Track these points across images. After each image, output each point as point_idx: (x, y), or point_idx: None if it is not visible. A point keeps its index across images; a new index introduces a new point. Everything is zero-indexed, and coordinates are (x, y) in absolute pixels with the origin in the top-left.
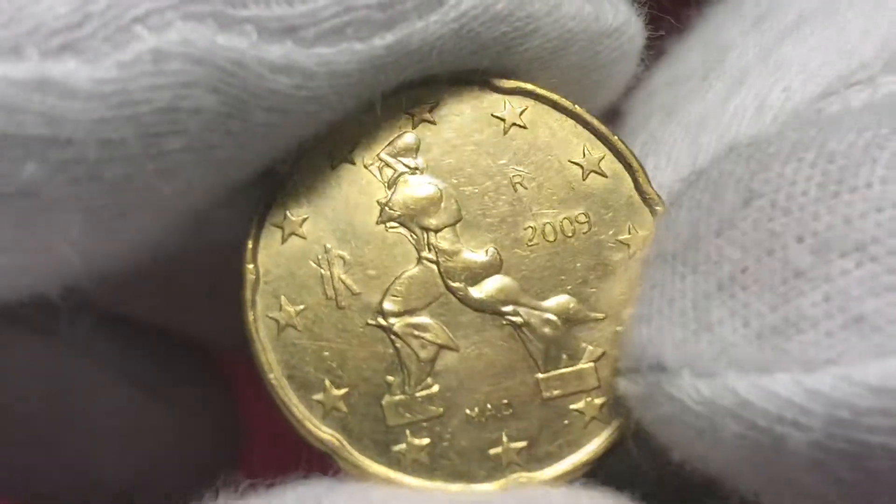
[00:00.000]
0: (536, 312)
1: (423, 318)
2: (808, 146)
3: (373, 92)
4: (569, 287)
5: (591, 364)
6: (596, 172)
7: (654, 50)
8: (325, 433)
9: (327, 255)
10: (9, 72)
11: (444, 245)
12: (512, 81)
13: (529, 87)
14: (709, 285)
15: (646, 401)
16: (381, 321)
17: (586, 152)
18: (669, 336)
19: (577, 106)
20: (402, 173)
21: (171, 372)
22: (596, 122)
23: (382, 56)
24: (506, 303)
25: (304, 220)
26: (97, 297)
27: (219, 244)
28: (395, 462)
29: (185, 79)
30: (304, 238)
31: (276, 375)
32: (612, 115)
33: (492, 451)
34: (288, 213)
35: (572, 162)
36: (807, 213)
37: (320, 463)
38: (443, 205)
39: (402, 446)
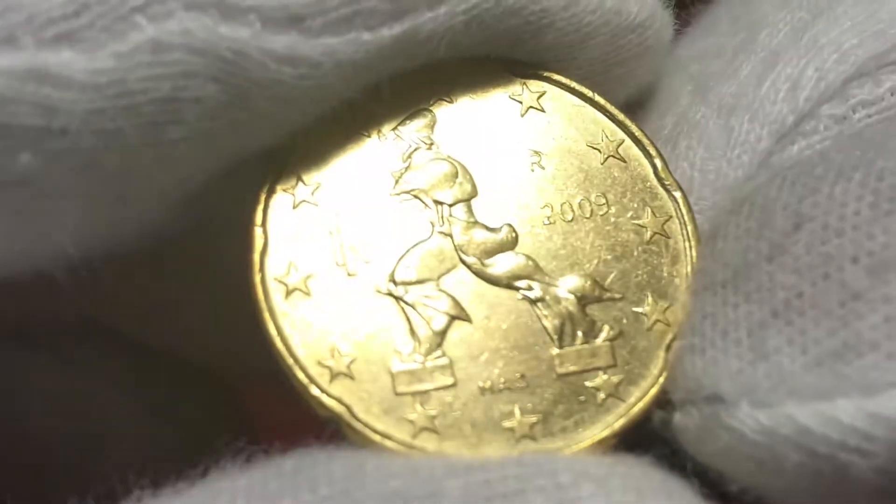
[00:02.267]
0: (552, 288)
1: (435, 289)
2: (855, 166)
3: (380, 79)
4: (585, 266)
5: (608, 342)
6: (614, 157)
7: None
8: (332, 399)
9: (339, 222)
10: (3, 62)
11: (459, 220)
12: (531, 69)
13: (548, 73)
14: (763, 313)
15: (702, 433)
16: (393, 289)
17: (605, 137)
18: (725, 367)
19: (595, 94)
20: (417, 148)
21: (184, 397)
22: (614, 110)
23: (390, 46)
24: (520, 278)
25: (317, 187)
26: (112, 321)
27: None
28: (404, 430)
29: (184, 69)
30: (315, 205)
31: (282, 339)
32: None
33: (504, 424)
34: (300, 181)
35: (590, 146)
36: (860, 233)
37: None
38: (458, 180)
39: (412, 415)
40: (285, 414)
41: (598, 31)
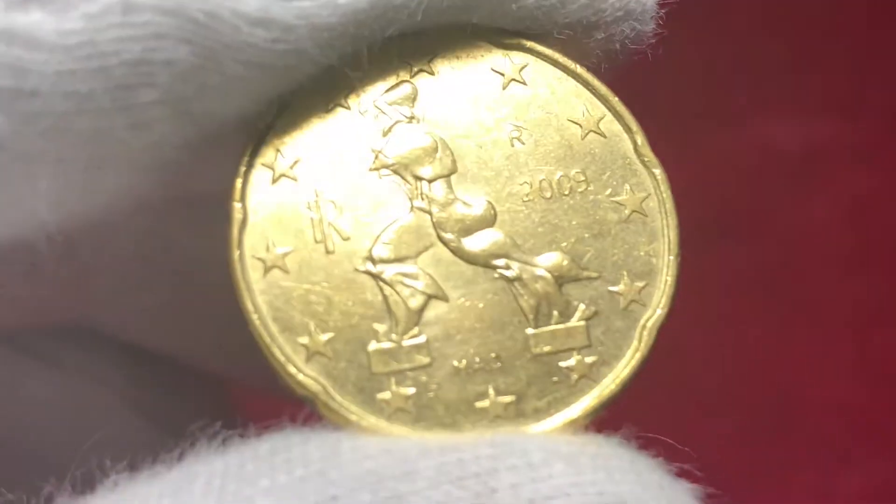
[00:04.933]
0: (529, 267)
1: (413, 267)
2: None
3: (357, 46)
4: (563, 244)
5: (583, 322)
6: (595, 132)
7: (668, 8)
8: (308, 377)
9: (318, 198)
10: None
11: (438, 196)
12: (513, 38)
13: (530, 44)
14: None
15: None
16: (371, 268)
17: (586, 112)
18: None
19: (578, 66)
20: (397, 122)
21: (178, 402)
22: (597, 82)
23: (366, 10)
24: (498, 256)
25: (296, 162)
26: (104, 325)
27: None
28: (379, 410)
29: (155, 30)
30: (294, 180)
31: (259, 316)
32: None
33: (478, 404)
34: (279, 154)
35: (571, 121)
36: None
37: None
38: (438, 155)
39: (387, 395)
40: (279, 415)
41: None
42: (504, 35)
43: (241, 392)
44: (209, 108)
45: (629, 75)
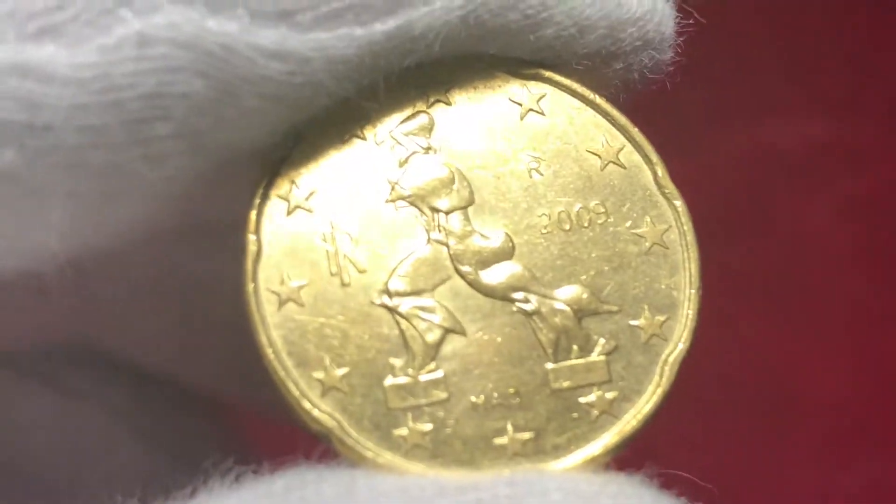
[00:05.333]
0: (548, 301)
1: (430, 301)
2: None
3: (374, 77)
4: (582, 277)
5: (603, 357)
6: (614, 163)
7: (686, 36)
8: (324, 413)
9: (333, 230)
10: None
11: (455, 228)
12: (531, 68)
13: (548, 73)
14: None
15: None
16: (387, 301)
17: (605, 143)
18: None
19: (597, 96)
20: (414, 153)
21: (181, 425)
22: (616, 113)
23: (383, 42)
24: (516, 289)
25: (311, 193)
26: (108, 347)
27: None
28: (395, 447)
29: (170, 64)
30: (310, 212)
31: (274, 351)
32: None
33: (496, 441)
34: (294, 186)
35: (590, 151)
36: None
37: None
38: (455, 187)
39: (404, 430)
40: (286, 440)
41: (597, 25)
42: (522, 65)
43: (249, 418)
44: (224, 140)
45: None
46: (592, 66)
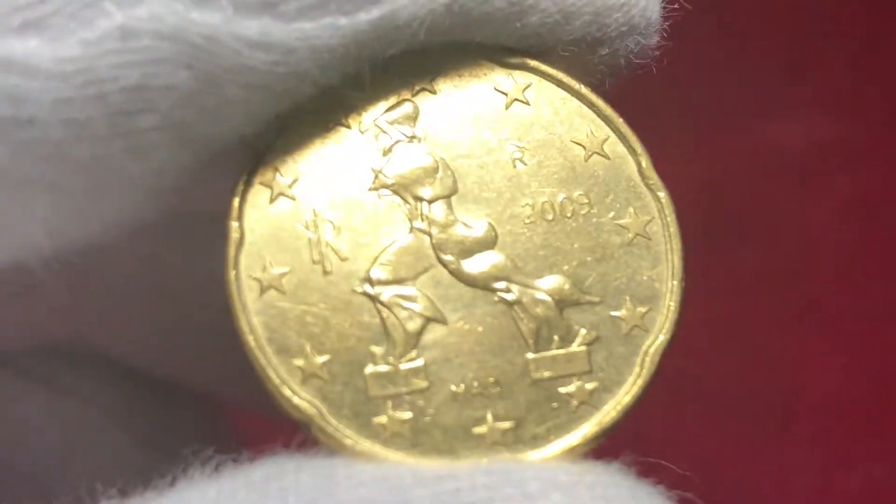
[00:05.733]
0: (529, 291)
1: (411, 289)
2: None
3: (359, 66)
4: (564, 268)
5: (584, 347)
6: (599, 154)
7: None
8: (303, 400)
9: (316, 218)
10: None
11: (438, 217)
12: (517, 57)
13: (534, 63)
14: None
15: None
16: (369, 289)
17: (590, 133)
18: None
19: (582, 86)
20: (398, 141)
21: (176, 425)
22: (601, 103)
23: (367, 31)
24: (498, 279)
25: (295, 181)
26: (103, 346)
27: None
28: (375, 435)
29: (154, 56)
30: (293, 199)
31: (255, 338)
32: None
33: (476, 430)
34: (278, 173)
35: (575, 142)
36: None
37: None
38: (438, 176)
39: (383, 419)
40: (269, 431)
41: (582, 11)
42: (508, 54)
43: (236, 413)
44: (209, 131)
45: (629, 78)
46: (578, 52)
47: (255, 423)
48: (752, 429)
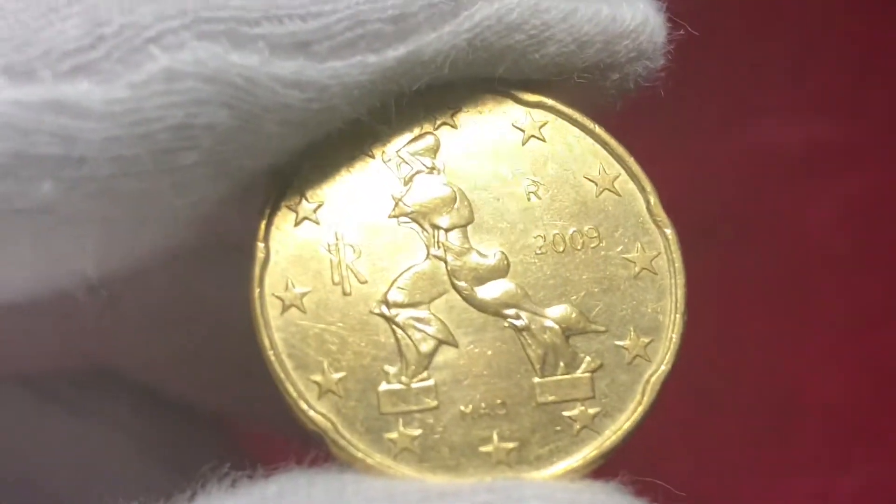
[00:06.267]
0: (538, 318)
1: (425, 313)
2: None
3: (385, 100)
4: (573, 297)
5: (588, 374)
6: (609, 191)
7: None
8: (319, 414)
9: (338, 242)
10: (23, 94)
11: (454, 245)
12: (535, 95)
13: (551, 102)
14: None
15: None
16: (385, 311)
17: (602, 170)
18: None
19: (596, 126)
20: (418, 171)
21: (198, 449)
22: (613, 142)
23: (395, 67)
24: (509, 306)
25: (319, 206)
26: (129, 371)
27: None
28: (385, 449)
29: (197, 96)
30: (317, 223)
31: (275, 352)
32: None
33: (482, 449)
34: (304, 198)
35: (587, 178)
36: None
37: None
38: (456, 206)
39: (394, 434)
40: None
41: (595, 39)
42: (526, 89)
43: (253, 436)
44: (245, 164)
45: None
46: (592, 77)
47: (272, 445)
48: (751, 430)
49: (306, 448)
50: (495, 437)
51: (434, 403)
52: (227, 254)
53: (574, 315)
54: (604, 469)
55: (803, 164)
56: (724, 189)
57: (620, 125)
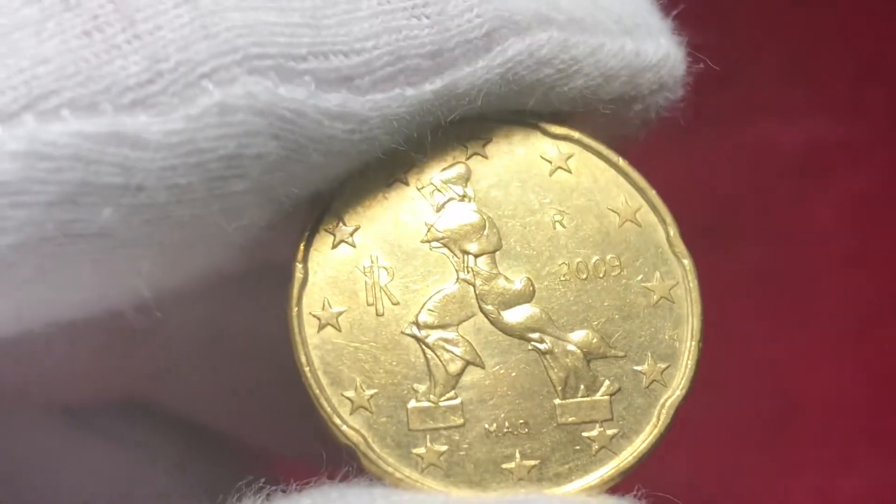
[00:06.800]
0: (561, 342)
1: (454, 334)
2: None
3: (421, 130)
4: (594, 323)
5: (607, 397)
6: (631, 221)
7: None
8: (351, 429)
9: (373, 264)
10: (86, 126)
11: (482, 270)
12: (562, 128)
13: (577, 135)
14: None
15: None
16: (416, 332)
17: (624, 202)
18: None
19: (620, 159)
20: (450, 199)
21: (229, 477)
22: (636, 175)
23: (431, 100)
24: (533, 330)
25: (356, 229)
26: (166, 402)
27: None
28: (413, 464)
29: (248, 128)
30: (353, 246)
31: (311, 369)
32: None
33: (504, 466)
34: (341, 222)
35: (611, 209)
36: None
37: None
38: (485, 233)
39: (422, 450)
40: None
41: (619, 73)
42: (555, 119)
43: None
44: (291, 191)
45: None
46: (616, 108)
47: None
48: (751, 430)
49: (337, 471)
50: (517, 454)
51: (460, 421)
52: (262, 291)
53: (595, 340)
54: (621, 486)
55: (803, 164)
56: (724, 188)
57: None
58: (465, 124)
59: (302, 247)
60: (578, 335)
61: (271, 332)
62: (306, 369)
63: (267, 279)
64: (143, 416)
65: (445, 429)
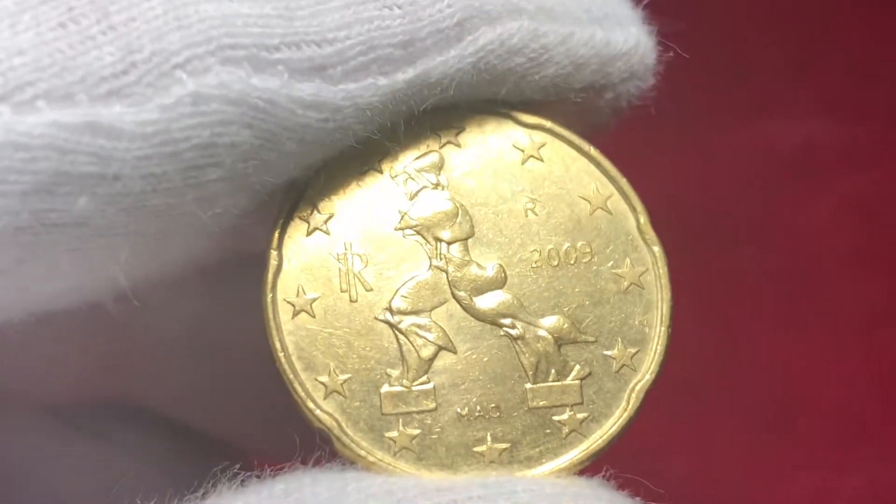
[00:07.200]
0: (532, 328)
1: (427, 320)
2: None
3: (394, 119)
4: (565, 309)
5: (578, 382)
6: (602, 209)
7: (664, 64)
8: (325, 413)
9: (347, 251)
10: (61, 117)
11: (455, 257)
12: (534, 117)
13: (549, 124)
14: None
15: None
16: (389, 318)
17: (595, 190)
18: None
19: (591, 148)
20: (423, 187)
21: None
22: (607, 163)
23: (404, 89)
24: (505, 316)
25: (330, 217)
26: (150, 402)
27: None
28: (386, 447)
29: (221, 118)
30: (327, 234)
31: (286, 355)
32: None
33: (476, 449)
34: (315, 210)
35: (582, 197)
36: None
37: None
38: (458, 220)
39: (394, 434)
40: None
41: (589, 61)
42: (527, 109)
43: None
44: (265, 179)
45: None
46: (587, 97)
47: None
48: (752, 430)
49: (310, 457)
50: (489, 438)
51: (433, 405)
52: (241, 290)
53: (566, 326)
54: (590, 468)
55: (803, 164)
56: (724, 188)
57: (621, 125)
58: (438, 113)
59: (276, 234)
60: (549, 321)
61: (252, 328)
62: (280, 355)
63: (246, 273)
64: (127, 415)
65: (418, 413)
